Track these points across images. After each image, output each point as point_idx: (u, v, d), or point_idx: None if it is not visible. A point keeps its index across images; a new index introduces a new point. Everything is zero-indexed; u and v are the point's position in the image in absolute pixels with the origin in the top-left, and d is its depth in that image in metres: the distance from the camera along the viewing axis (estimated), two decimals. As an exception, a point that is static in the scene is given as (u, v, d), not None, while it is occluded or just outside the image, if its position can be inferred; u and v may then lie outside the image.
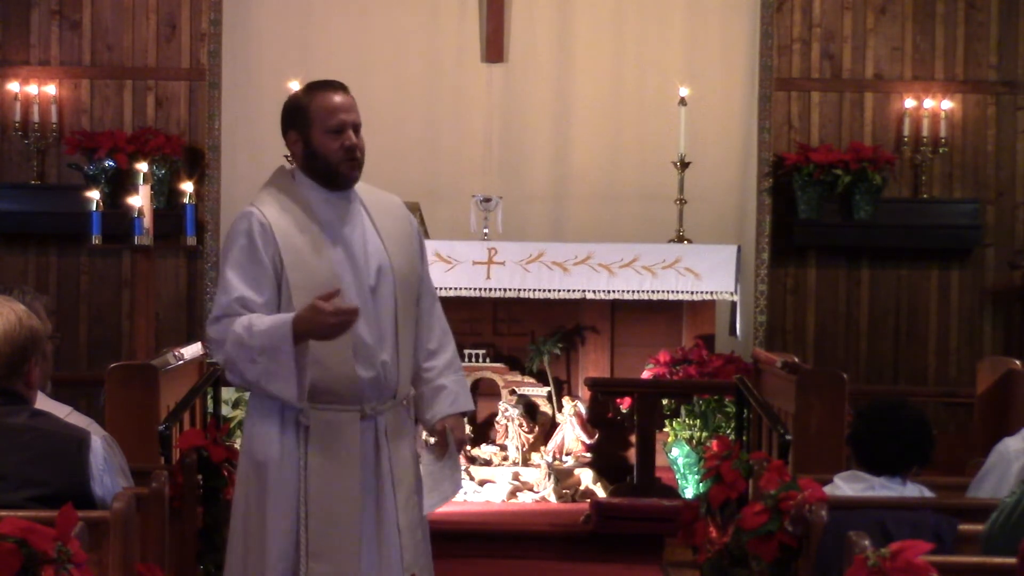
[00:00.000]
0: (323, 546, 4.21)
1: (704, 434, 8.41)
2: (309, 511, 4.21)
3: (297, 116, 4.35)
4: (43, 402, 4.07)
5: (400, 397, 4.38)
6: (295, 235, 4.27)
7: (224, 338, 4.19)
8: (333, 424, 4.25)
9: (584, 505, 8.13)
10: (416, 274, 4.45)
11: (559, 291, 8.96)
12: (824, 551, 4.18)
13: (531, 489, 8.44)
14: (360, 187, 4.44)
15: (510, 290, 8.89)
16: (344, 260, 4.31)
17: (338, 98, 4.32)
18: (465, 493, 8.22)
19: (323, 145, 4.30)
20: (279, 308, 4.22)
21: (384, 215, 4.44)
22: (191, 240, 8.74)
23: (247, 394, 8.36)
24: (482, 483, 8.44)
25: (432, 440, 4.45)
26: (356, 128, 4.33)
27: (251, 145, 10.01)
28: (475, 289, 8.89)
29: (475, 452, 8.61)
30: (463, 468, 7.25)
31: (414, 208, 8.22)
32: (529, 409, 8.82)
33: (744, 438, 6.87)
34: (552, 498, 8.41)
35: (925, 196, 10.15)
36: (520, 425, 8.68)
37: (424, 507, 4.40)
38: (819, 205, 10.01)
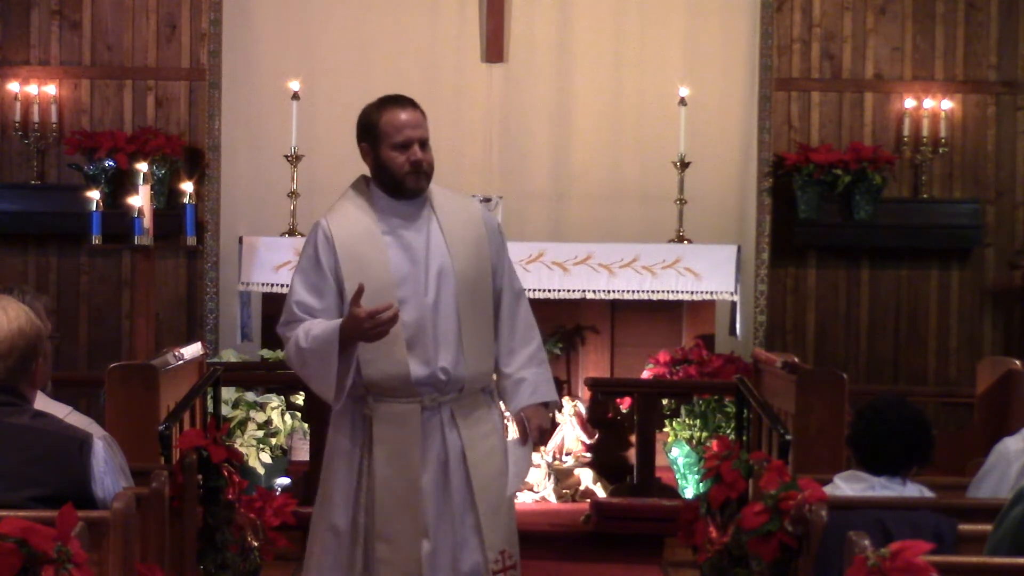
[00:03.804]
0: (387, 529, 4.50)
1: (704, 434, 8.40)
2: (375, 497, 4.50)
3: (368, 130, 4.66)
4: (43, 402, 4.07)
5: (467, 391, 4.58)
6: (357, 244, 4.57)
7: (288, 339, 4.56)
8: (393, 414, 4.54)
9: (584, 505, 8.13)
10: (485, 276, 4.66)
11: (559, 291, 8.96)
12: (824, 551, 4.18)
13: (531, 489, 8.43)
14: (436, 190, 4.74)
15: (510, 290, 8.88)
16: (402, 266, 4.57)
17: (405, 115, 4.65)
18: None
19: (390, 159, 4.62)
20: (340, 314, 4.51)
21: (453, 219, 4.69)
22: (191, 240, 8.74)
23: (247, 394, 8.45)
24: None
25: (515, 430, 4.67)
26: (423, 143, 4.66)
27: (251, 145, 10.01)
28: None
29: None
30: None
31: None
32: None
33: (744, 438, 6.86)
34: (552, 498, 8.41)
35: (925, 196, 10.14)
36: (520, 425, 8.67)
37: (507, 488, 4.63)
38: (819, 205, 10.00)
